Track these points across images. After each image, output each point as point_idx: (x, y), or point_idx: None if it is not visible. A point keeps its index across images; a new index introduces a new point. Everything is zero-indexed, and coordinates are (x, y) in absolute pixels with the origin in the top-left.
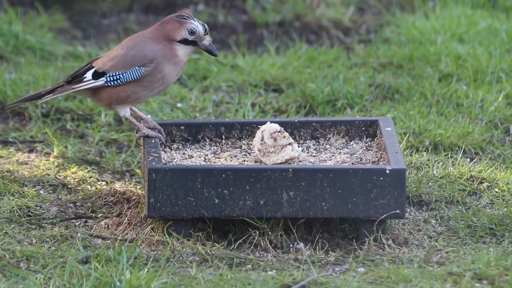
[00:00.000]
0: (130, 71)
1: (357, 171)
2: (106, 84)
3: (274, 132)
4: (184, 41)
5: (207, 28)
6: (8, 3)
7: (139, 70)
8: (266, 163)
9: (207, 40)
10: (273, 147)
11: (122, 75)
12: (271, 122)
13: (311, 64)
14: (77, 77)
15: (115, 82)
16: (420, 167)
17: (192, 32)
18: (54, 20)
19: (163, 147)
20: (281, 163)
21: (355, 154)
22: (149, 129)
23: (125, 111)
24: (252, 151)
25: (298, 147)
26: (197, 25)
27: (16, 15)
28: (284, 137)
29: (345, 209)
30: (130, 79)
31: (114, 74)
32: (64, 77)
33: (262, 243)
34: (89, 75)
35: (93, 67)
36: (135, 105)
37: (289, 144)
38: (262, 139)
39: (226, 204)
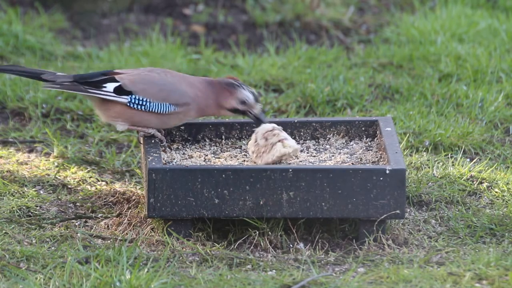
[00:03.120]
0: (160, 104)
1: (357, 171)
2: (128, 104)
3: (266, 132)
4: (234, 110)
5: (258, 96)
6: (8, 3)
7: (169, 106)
8: (260, 164)
9: (257, 108)
10: (264, 147)
11: (149, 104)
12: (270, 122)
13: (311, 64)
14: (93, 83)
15: (138, 106)
16: (420, 167)
17: (243, 103)
18: (54, 20)
19: (164, 148)
20: (273, 162)
21: (355, 154)
22: (154, 130)
23: (123, 127)
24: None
25: (297, 144)
26: (248, 94)
27: (16, 15)
28: (274, 135)
29: (345, 209)
30: (154, 111)
31: (141, 98)
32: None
33: (262, 243)
34: (110, 87)
35: (117, 80)
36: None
37: (279, 141)
38: (256, 141)
39: (226, 204)
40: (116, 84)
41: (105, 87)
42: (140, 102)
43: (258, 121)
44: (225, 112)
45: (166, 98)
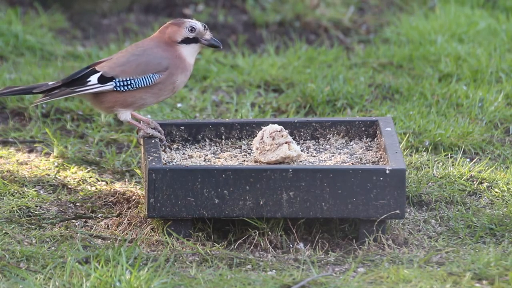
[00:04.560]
0: (143, 77)
1: (357, 171)
2: (115, 89)
3: (273, 132)
4: (186, 40)
5: (205, 24)
6: (8, 3)
7: (152, 77)
8: (262, 161)
9: (208, 35)
10: (270, 145)
11: (134, 81)
12: (272, 123)
13: (311, 64)
14: (77, 80)
15: (125, 88)
16: (420, 167)
17: (192, 29)
18: (54, 20)
19: (164, 148)
20: (276, 161)
21: (355, 154)
22: (152, 129)
23: (125, 115)
24: (252, 151)
25: (300, 149)
26: (195, 22)
27: (16, 15)
28: (282, 136)
29: (345, 209)
30: (141, 86)
31: (124, 79)
32: (63, 78)
33: (262, 243)
34: (94, 79)
35: (97, 71)
36: (136, 110)
37: (286, 142)
38: (262, 138)
39: (226, 204)
40: (98, 74)
41: (89, 81)
42: (125, 83)
43: (213, 47)
44: (182, 49)
45: (145, 70)
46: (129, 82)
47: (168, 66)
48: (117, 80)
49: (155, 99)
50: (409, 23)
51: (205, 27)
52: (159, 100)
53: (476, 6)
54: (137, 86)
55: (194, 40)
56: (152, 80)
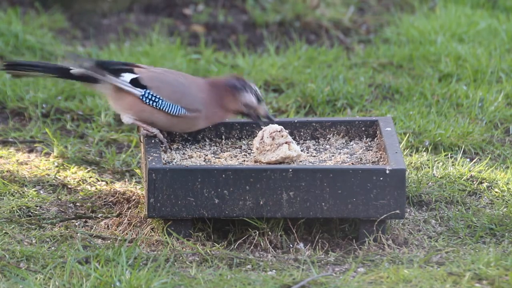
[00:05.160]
0: (172, 104)
1: (357, 171)
2: (140, 98)
3: (274, 132)
4: (239, 113)
5: (261, 97)
6: (8, 3)
7: (179, 109)
8: (262, 161)
9: (262, 110)
10: (270, 145)
11: (161, 102)
12: (278, 122)
13: (311, 64)
14: (111, 70)
15: (150, 102)
16: (420, 167)
17: (247, 105)
18: (54, 20)
19: (164, 149)
20: (276, 161)
21: (355, 154)
22: (157, 129)
23: (129, 119)
24: (252, 151)
25: (300, 149)
26: (251, 99)
27: (16, 15)
28: (282, 136)
29: (345, 209)
30: (164, 109)
31: (155, 95)
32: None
33: (262, 243)
34: (127, 77)
35: (134, 72)
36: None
37: (286, 143)
38: (262, 138)
39: (226, 204)
40: (134, 76)
41: (122, 76)
42: (153, 98)
43: (269, 121)
44: (230, 115)
45: (178, 100)
46: (156, 100)
47: (200, 110)
48: (148, 91)
49: (165, 126)
50: (409, 23)
51: (259, 100)
52: (169, 129)
53: (476, 6)
54: (161, 108)
55: (247, 115)
56: (178, 112)
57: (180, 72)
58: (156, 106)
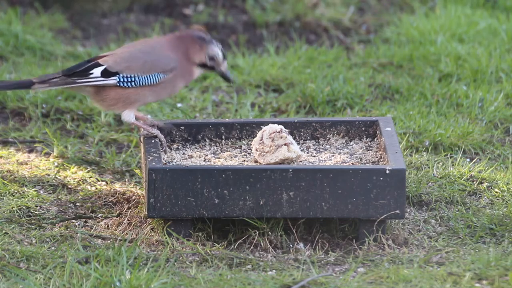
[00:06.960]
0: (149, 76)
1: (357, 171)
2: (118, 84)
3: (273, 133)
4: (202, 65)
5: (225, 53)
6: (8, 3)
7: (157, 76)
8: (261, 163)
9: (224, 66)
10: (269, 147)
11: (139, 78)
12: (272, 123)
13: (311, 64)
14: (79, 73)
15: (129, 84)
16: (420, 167)
17: (212, 58)
18: (54, 20)
19: (164, 149)
20: (275, 163)
21: (355, 154)
22: (157, 130)
23: (129, 117)
24: (252, 151)
25: (300, 149)
26: (218, 52)
27: (16, 15)
28: (281, 137)
29: (345, 209)
30: (145, 84)
31: (129, 75)
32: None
33: (262, 243)
34: (97, 72)
35: (101, 64)
36: (138, 108)
37: (285, 144)
38: (261, 139)
39: (226, 204)
40: (102, 68)
41: (92, 73)
42: (129, 79)
43: (225, 79)
44: (195, 68)
45: (152, 68)
46: (133, 79)
47: (175, 69)
48: (121, 75)
49: (155, 98)
50: (409, 23)
51: (224, 56)
52: (158, 99)
53: (476, 6)
54: (141, 83)
55: (210, 68)
56: (157, 79)
57: (139, 41)
58: (135, 85)
